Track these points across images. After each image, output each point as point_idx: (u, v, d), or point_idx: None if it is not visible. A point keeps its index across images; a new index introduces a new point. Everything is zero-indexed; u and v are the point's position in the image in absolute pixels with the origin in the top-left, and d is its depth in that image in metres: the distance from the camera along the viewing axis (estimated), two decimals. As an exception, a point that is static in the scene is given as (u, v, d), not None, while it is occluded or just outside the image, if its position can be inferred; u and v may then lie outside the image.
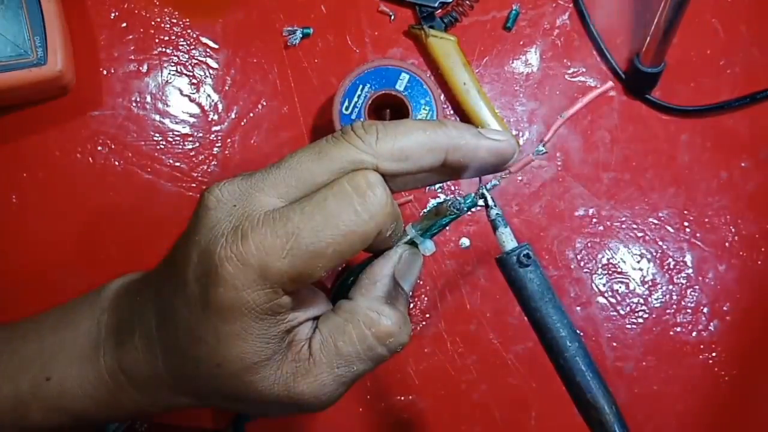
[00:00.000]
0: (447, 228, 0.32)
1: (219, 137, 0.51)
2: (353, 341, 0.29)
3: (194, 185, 0.51)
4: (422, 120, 0.31)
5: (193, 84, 0.52)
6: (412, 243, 0.32)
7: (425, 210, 0.29)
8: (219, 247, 0.26)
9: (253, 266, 0.26)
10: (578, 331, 0.29)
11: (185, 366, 0.30)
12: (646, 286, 0.51)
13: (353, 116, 0.48)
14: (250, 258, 0.26)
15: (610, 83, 0.25)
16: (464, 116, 0.51)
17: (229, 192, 0.28)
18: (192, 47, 0.52)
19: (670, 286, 0.51)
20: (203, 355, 0.28)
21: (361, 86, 0.48)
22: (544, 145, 0.27)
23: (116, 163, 0.50)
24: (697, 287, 0.51)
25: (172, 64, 0.52)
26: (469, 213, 0.51)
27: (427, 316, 0.50)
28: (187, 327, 0.28)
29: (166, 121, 0.51)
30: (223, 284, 0.26)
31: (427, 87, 0.48)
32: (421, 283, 0.50)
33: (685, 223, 0.52)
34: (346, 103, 0.48)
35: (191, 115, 0.51)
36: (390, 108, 0.50)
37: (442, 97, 0.52)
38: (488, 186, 0.30)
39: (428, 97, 0.48)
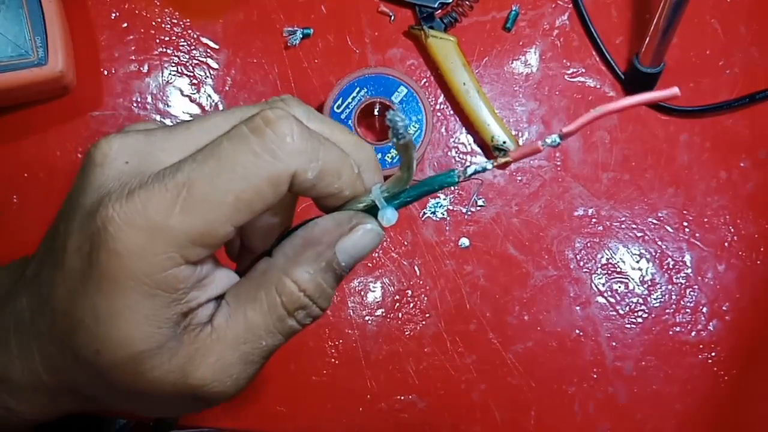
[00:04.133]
0: (418, 200, 0.26)
1: (219, 137, 0.51)
2: (264, 310, 0.24)
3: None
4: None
5: (194, 84, 0.52)
6: (373, 207, 0.26)
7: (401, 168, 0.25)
8: (102, 207, 0.22)
9: (139, 226, 0.22)
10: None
11: (63, 357, 0.25)
12: (646, 285, 0.51)
13: (343, 116, 0.49)
14: (136, 217, 0.22)
15: (675, 89, 0.23)
16: (464, 117, 0.51)
17: (120, 146, 0.24)
18: (192, 47, 0.52)
19: (670, 286, 0.51)
20: (81, 340, 0.23)
21: (358, 88, 0.49)
22: (561, 137, 0.25)
23: (117, 163, 0.50)
24: (696, 287, 0.51)
25: (173, 65, 0.52)
26: (466, 208, 0.51)
27: (427, 316, 0.50)
28: (65, 309, 0.24)
29: (167, 121, 0.51)
30: (104, 250, 0.22)
31: (422, 105, 0.48)
32: (421, 282, 0.50)
33: (685, 223, 0.52)
34: (339, 101, 0.48)
35: (192, 116, 0.52)
36: (379, 115, 0.50)
37: (441, 102, 0.52)
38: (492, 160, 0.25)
39: (420, 116, 0.48)
